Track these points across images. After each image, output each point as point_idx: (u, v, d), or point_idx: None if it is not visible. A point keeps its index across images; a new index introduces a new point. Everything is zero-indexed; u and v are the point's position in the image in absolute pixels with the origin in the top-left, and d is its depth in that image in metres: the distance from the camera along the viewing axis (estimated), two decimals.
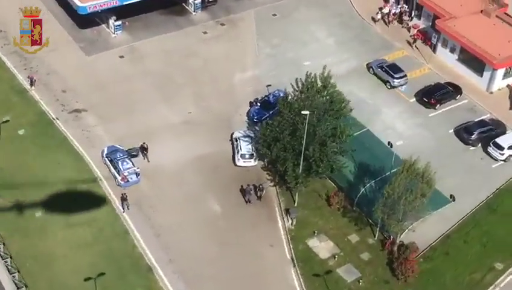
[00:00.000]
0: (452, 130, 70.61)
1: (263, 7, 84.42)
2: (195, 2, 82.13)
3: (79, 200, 61.48)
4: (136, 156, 64.83)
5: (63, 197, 61.42)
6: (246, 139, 65.72)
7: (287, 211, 61.20)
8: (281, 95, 68.31)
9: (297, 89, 60.29)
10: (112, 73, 74.31)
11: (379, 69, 75.48)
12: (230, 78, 74.67)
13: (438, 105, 72.66)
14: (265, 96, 71.11)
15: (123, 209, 60.62)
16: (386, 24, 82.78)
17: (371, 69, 76.16)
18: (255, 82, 74.44)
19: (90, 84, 72.84)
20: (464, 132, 69.41)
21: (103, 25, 79.83)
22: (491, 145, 67.96)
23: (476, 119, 71.14)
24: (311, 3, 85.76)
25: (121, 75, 74.20)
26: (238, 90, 73.37)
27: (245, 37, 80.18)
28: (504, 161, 67.58)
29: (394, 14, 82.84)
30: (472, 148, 69.26)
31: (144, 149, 64.66)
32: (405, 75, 74.59)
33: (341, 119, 60.87)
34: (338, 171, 61.89)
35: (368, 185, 61.65)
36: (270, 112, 69.32)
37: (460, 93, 74.02)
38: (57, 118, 69.00)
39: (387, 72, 74.79)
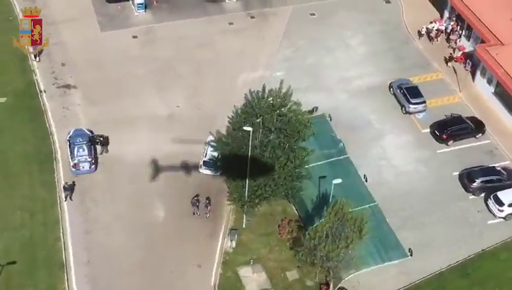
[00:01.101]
0: (457, 173, 61.94)
1: (304, 4, 78.45)
2: None
3: (24, 179, 59.23)
4: (100, 144, 61.73)
5: (11, 174, 59.52)
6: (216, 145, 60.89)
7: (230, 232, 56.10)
8: None
9: (249, 100, 54.46)
10: (118, 53, 71.64)
11: (398, 90, 67.90)
12: (236, 76, 69.81)
13: (451, 141, 64.22)
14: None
15: (65, 198, 57.80)
16: (430, 41, 74.18)
17: (391, 89, 68.48)
18: (260, 84, 68.59)
19: (90, 61, 70.57)
20: (465, 177, 60.86)
21: (130, 2, 76.79)
22: (491, 198, 59.06)
23: (488, 165, 61.98)
24: (358, 6, 78.74)
25: (126, 56, 71.34)
26: (238, 91, 68.15)
27: (270, 34, 74.68)
28: (504, 218, 58.49)
29: (439, 30, 73.98)
30: (472, 197, 60.65)
31: (102, 140, 61.15)
32: (423, 102, 66.46)
33: (298, 143, 54.58)
34: (293, 197, 55.85)
35: (323, 219, 55.08)
36: None
37: (483, 131, 64.97)
38: (44, 91, 67.36)
39: (405, 96, 67.05)
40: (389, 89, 68.98)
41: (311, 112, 64.25)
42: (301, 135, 54.37)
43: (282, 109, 54.34)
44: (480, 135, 65.13)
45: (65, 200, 58.01)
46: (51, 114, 65.34)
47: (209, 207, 57.21)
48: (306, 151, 54.55)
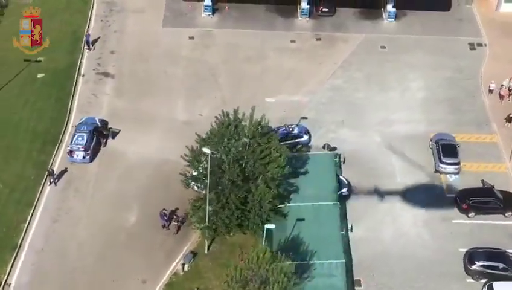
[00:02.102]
0: (464, 250, 54.98)
1: (380, 35, 73.31)
2: (302, 6, 73.75)
3: (22, 155, 60.11)
4: (105, 136, 61.24)
5: (12, 146, 60.50)
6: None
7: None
8: (298, 130, 61.11)
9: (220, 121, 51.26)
10: (167, 50, 70.90)
11: (434, 145, 61.36)
12: (272, 96, 66.37)
13: (473, 213, 57.12)
14: (280, 126, 61.92)
15: (49, 182, 57.89)
16: (500, 98, 66.56)
17: (431, 142, 62.15)
18: (294, 110, 65.19)
19: (138, 54, 70.43)
20: (466, 257, 53.80)
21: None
22: (486, 287, 51.81)
23: (500, 249, 54.46)
24: (437, 47, 72.27)
25: (173, 55, 70.46)
26: (267, 111, 64.51)
27: (329, 60, 70.46)
28: None
29: (510, 89, 66.19)
30: (470, 280, 53.52)
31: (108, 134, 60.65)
32: (457, 163, 59.64)
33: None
34: (258, 232, 52.11)
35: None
36: None
37: None
38: (83, 75, 68.03)
39: (438, 152, 60.48)
40: (429, 142, 62.39)
41: (324, 147, 59.83)
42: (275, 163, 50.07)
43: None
44: (510, 213, 57.15)
45: (49, 185, 57.80)
46: (77, 98, 65.74)
47: (177, 223, 54.66)
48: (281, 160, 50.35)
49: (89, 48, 69.32)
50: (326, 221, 53.61)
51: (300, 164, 57.30)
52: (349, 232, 55.70)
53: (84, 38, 69.70)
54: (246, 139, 50.41)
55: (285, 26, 73.88)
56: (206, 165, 50.02)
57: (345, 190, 57.55)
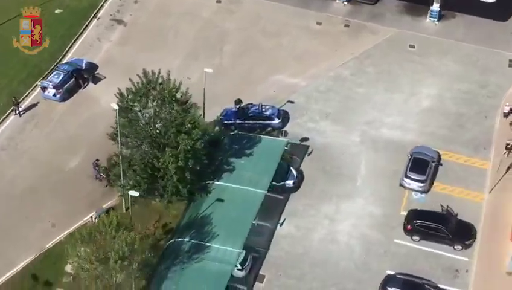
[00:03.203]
0: (389, 272, 50.41)
1: (414, 33, 67.87)
2: None
3: (5, 81, 61.81)
4: (86, 80, 61.69)
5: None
6: None
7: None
8: (270, 112, 58.30)
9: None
10: (190, 9, 69.96)
11: (408, 157, 56.35)
12: (272, 74, 63.78)
13: (417, 237, 52.17)
14: (254, 104, 59.44)
15: (15, 112, 59.42)
16: (510, 125, 59.90)
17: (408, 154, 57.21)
18: (288, 92, 62.36)
19: (159, 8, 70.21)
20: (382, 281, 49.30)
21: None
22: None
23: (423, 279, 49.34)
24: (472, 57, 65.85)
25: (192, 14, 69.61)
26: (258, 87, 62.71)
27: (346, 49, 66.42)
28: None
29: None
30: None
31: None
32: (423, 181, 54.41)
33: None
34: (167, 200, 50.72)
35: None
36: (238, 121, 58.40)
37: (464, 245, 51.53)
38: (98, 18, 68.81)
39: (407, 166, 55.49)
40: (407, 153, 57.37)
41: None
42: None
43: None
44: (459, 247, 51.48)
45: (14, 114, 59.25)
46: (81, 40, 66.40)
47: (102, 175, 54.14)
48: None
49: None
50: (245, 207, 50.97)
51: (247, 145, 54.64)
52: (278, 226, 52.50)
53: None
54: (153, 103, 48.39)
55: (318, 6, 70.21)
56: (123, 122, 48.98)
57: (290, 182, 54.22)
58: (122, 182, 50.50)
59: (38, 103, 60.43)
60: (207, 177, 52.29)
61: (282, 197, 54.33)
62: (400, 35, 67.55)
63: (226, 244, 48.49)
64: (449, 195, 55.01)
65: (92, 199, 53.99)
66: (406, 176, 54.55)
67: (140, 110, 48.91)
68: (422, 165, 54.97)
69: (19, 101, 59.27)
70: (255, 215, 50.69)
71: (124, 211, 53.23)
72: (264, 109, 58.65)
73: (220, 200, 51.23)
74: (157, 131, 48.80)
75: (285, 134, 57.57)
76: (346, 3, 70.35)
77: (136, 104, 48.90)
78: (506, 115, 59.90)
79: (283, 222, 52.79)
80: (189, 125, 48.51)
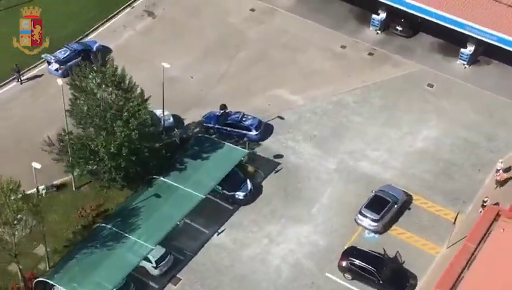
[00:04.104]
0: None
1: (438, 73, 64.62)
2: (374, 17, 67.87)
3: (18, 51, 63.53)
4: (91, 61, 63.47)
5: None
6: None
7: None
8: (249, 122, 57.69)
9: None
10: (220, 13, 70.06)
11: (371, 194, 53.83)
12: (273, 87, 62.93)
13: (349, 276, 49.76)
14: (238, 112, 58.88)
15: (17, 79, 62.20)
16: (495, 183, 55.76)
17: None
18: (283, 107, 61.33)
19: (193, 6, 70.82)
20: None
21: None
22: None
23: None
24: (490, 108, 61.92)
25: (222, 20, 69.52)
26: (255, 97, 62.09)
27: (358, 76, 64.21)
28: None
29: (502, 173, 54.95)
30: None
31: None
32: (375, 220, 51.79)
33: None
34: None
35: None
36: (216, 126, 58.24)
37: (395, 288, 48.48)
38: (133, 7, 70.48)
39: (365, 202, 52.98)
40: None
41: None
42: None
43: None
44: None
45: (16, 81, 62.01)
46: (108, 24, 68.44)
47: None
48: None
49: None
50: (177, 207, 50.49)
51: (207, 149, 54.23)
52: (215, 234, 51.64)
53: None
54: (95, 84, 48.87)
55: (351, 30, 68.34)
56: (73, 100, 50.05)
57: (241, 193, 53.15)
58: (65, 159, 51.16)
59: (42, 75, 62.33)
60: (154, 172, 51.92)
61: (231, 207, 53.14)
62: (422, 72, 64.47)
63: (142, 238, 47.95)
64: (405, 242, 51.84)
65: (51, 173, 54.51)
66: (360, 213, 51.92)
67: (86, 91, 49.27)
68: (380, 204, 52.12)
69: (20, 69, 61.28)
70: (183, 216, 49.93)
71: (74, 190, 53.88)
72: (244, 119, 57.67)
73: (157, 195, 50.92)
74: (98, 113, 49.09)
75: (249, 146, 56.15)
76: (379, 32, 67.76)
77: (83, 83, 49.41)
78: (497, 171, 55.47)
79: (221, 231, 51.58)
80: (126, 113, 48.45)
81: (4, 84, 61.95)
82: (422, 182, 55.61)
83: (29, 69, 63.40)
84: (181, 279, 49.45)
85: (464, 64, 64.81)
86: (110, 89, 48.83)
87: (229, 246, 51.27)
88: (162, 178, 52.22)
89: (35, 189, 52.73)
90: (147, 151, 50.62)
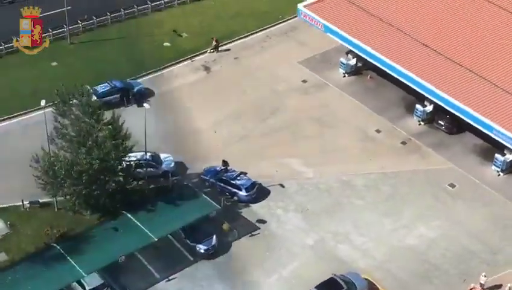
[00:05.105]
0: None
1: (465, 175, 60.98)
2: (417, 108, 65.89)
3: None
4: (129, 99, 66.72)
5: None
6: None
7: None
8: (242, 182, 58.01)
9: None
10: (271, 80, 70.97)
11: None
12: (288, 155, 62.50)
13: None
14: (235, 170, 59.30)
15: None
16: None
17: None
18: (289, 176, 60.70)
19: (246, 68, 72.41)
20: None
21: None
22: None
23: None
24: (503, 216, 57.55)
25: (271, 86, 70.44)
26: (265, 161, 62.14)
27: (378, 163, 61.89)
28: None
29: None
30: None
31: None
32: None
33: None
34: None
35: None
36: (211, 179, 59.16)
37: None
38: (192, 60, 73.60)
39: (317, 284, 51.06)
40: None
41: None
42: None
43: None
44: None
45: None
46: (164, 72, 71.59)
47: None
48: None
49: (216, 50, 73.56)
50: (126, 244, 51.68)
51: (184, 196, 55.09)
52: (165, 281, 51.94)
53: (215, 42, 73.61)
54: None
55: (393, 116, 66.49)
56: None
57: (202, 247, 53.25)
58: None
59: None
60: (122, 207, 53.49)
61: (192, 258, 53.12)
62: (449, 170, 61.26)
63: (80, 264, 49.24)
64: None
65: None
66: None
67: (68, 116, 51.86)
68: (332, 288, 49.53)
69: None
70: (126, 253, 50.53)
71: (56, 210, 56.38)
72: (238, 178, 57.71)
73: (115, 228, 52.18)
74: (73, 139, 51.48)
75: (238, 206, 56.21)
76: (422, 123, 65.37)
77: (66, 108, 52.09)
78: (481, 285, 51.12)
79: (171, 279, 51.63)
80: (91, 142, 50.26)
81: None
82: (395, 280, 52.33)
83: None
84: None
85: (498, 171, 60.49)
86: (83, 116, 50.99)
87: None
88: (128, 214, 53.18)
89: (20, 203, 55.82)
90: (114, 184, 51.87)
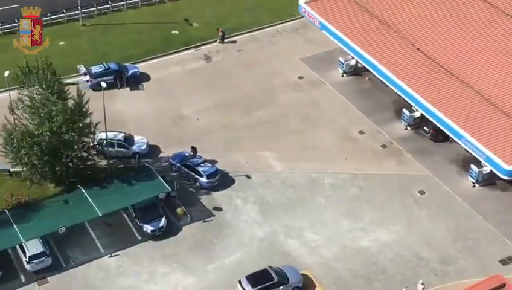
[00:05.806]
0: None
1: (440, 183, 59.46)
2: (404, 112, 64.76)
3: None
4: (122, 82, 68.37)
5: None
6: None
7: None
8: (205, 169, 58.42)
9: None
10: (271, 73, 71.00)
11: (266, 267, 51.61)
12: (264, 148, 62.38)
13: None
14: (201, 157, 59.86)
15: None
16: None
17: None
18: (259, 169, 60.69)
19: (245, 60, 72.91)
20: None
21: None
22: None
23: None
24: (469, 232, 55.76)
25: (267, 81, 70.39)
26: (240, 152, 62.25)
27: (352, 164, 60.99)
28: None
29: None
30: None
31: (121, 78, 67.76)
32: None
33: None
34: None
35: None
36: (178, 164, 60.01)
37: None
38: (197, 49, 74.60)
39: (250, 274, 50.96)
40: None
41: None
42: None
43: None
44: None
45: None
46: (164, 58, 72.80)
47: None
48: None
49: (222, 42, 74.18)
50: (72, 216, 52.92)
51: (141, 176, 56.16)
52: (108, 256, 53.06)
53: (221, 33, 74.28)
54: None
55: (381, 119, 65.33)
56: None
57: (149, 227, 53.98)
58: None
59: (78, 82, 67.88)
60: (78, 181, 54.97)
61: (140, 238, 53.98)
62: (424, 177, 60.12)
63: (23, 231, 50.83)
64: None
65: None
66: (239, 281, 49.78)
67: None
68: (263, 279, 49.81)
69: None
70: (68, 224, 51.82)
71: (23, 180, 58.18)
72: (201, 164, 58.15)
73: (66, 201, 53.53)
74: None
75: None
76: (408, 128, 64.04)
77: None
78: None
79: (114, 255, 52.59)
80: (43, 114, 51.74)
81: None
82: (336, 279, 51.52)
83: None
84: (48, 282, 50.91)
85: (473, 183, 58.58)
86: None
87: (110, 270, 51.85)
88: (82, 189, 54.42)
89: None
90: (69, 158, 53.28)
